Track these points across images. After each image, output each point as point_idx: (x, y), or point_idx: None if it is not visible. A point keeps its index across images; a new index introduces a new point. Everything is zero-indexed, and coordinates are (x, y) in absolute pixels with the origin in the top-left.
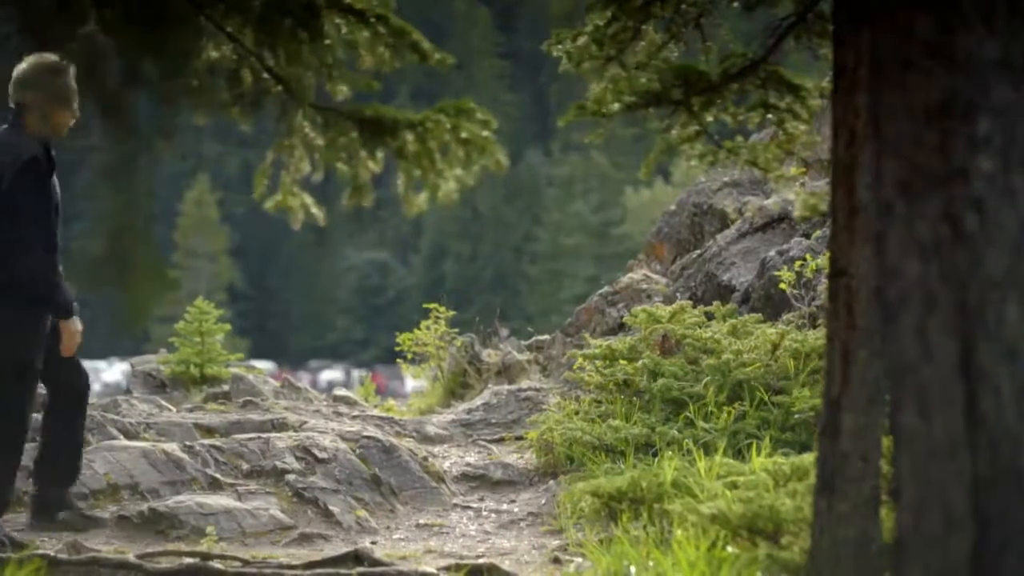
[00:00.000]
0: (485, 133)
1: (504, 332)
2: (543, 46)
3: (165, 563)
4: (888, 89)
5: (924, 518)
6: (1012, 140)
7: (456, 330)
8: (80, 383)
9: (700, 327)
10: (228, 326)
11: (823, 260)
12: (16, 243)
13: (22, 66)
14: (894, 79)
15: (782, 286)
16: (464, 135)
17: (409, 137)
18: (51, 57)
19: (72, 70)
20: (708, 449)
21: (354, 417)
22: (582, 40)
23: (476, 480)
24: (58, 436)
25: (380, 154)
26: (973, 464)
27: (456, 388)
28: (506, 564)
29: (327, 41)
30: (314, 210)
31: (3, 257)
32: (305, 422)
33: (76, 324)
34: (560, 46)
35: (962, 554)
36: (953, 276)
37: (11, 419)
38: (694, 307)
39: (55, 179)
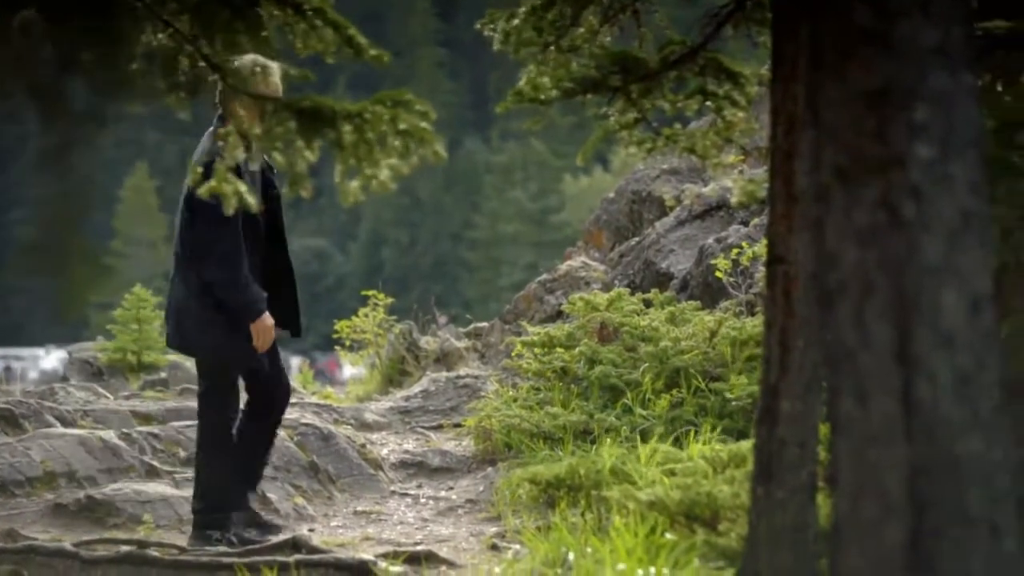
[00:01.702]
0: (423, 124)
1: (442, 319)
2: (477, 25)
3: (102, 551)
4: (826, 76)
5: (861, 504)
6: (949, 127)
7: (395, 317)
8: (281, 390)
9: (638, 314)
10: None
11: (761, 247)
12: (202, 246)
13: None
14: (832, 66)
15: (719, 274)
16: (402, 126)
17: (347, 128)
18: (256, 57)
19: (274, 67)
20: (646, 436)
21: (292, 404)
22: (516, 21)
23: (414, 467)
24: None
25: (317, 144)
26: (909, 450)
27: (394, 375)
28: (444, 551)
29: (264, 31)
30: (248, 197)
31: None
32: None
33: (265, 321)
34: (493, 26)
35: (898, 540)
36: (890, 263)
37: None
38: (632, 294)
39: (252, 179)
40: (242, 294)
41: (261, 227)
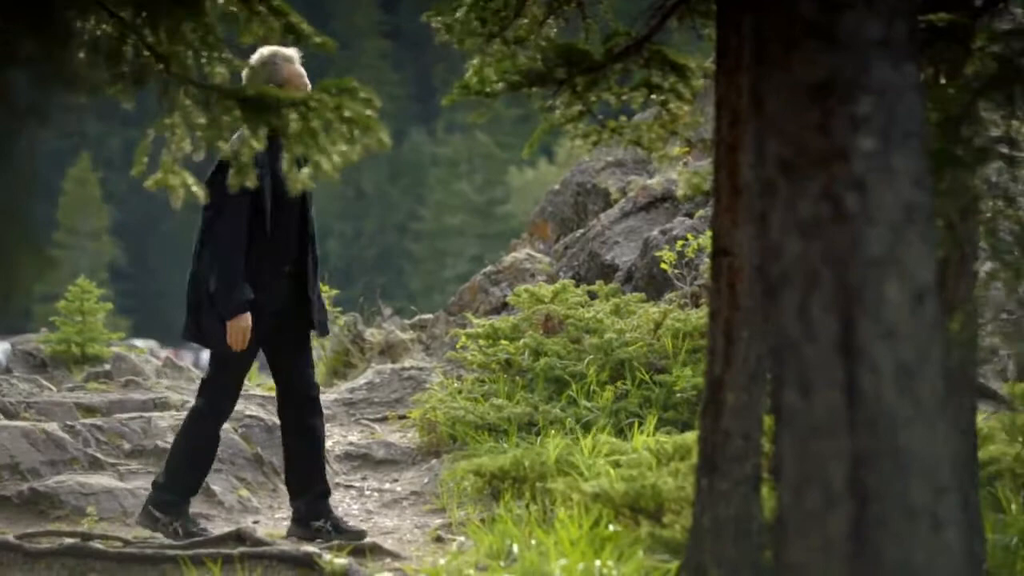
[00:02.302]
0: (368, 112)
1: (387, 311)
2: (423, 18)
3: (46, 543)
4: (771, 69)
5: (804, 495)
6: (892, 120)
7: (339, 309)
8: (303, 387)
9: (583, 306)
10: (110, 305)
11: (706, 239)
12: (204, 236)
13: (252, 59)
14: (777, 59)
15: (664, 265)
16: (347, 114)
17: (292, 116)
18: (268, 48)
19: (293, 55)
20: (590, 428)
21: None
22: (461, 13)
23: (359, 459)
24: (290, 446)
25: (262, 133)
26: (852, 441)
27: (339, 367)
28: (388, 543)
29: (208, 19)
30: (195, 188)
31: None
32: (187, 401)
33: (240, 322)
34: (439, 18)
35: (841, 530)
36: (834, 255)
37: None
38: (577, 286)
39: (278, 170)
40: (227, 289)
41: (294, 222)
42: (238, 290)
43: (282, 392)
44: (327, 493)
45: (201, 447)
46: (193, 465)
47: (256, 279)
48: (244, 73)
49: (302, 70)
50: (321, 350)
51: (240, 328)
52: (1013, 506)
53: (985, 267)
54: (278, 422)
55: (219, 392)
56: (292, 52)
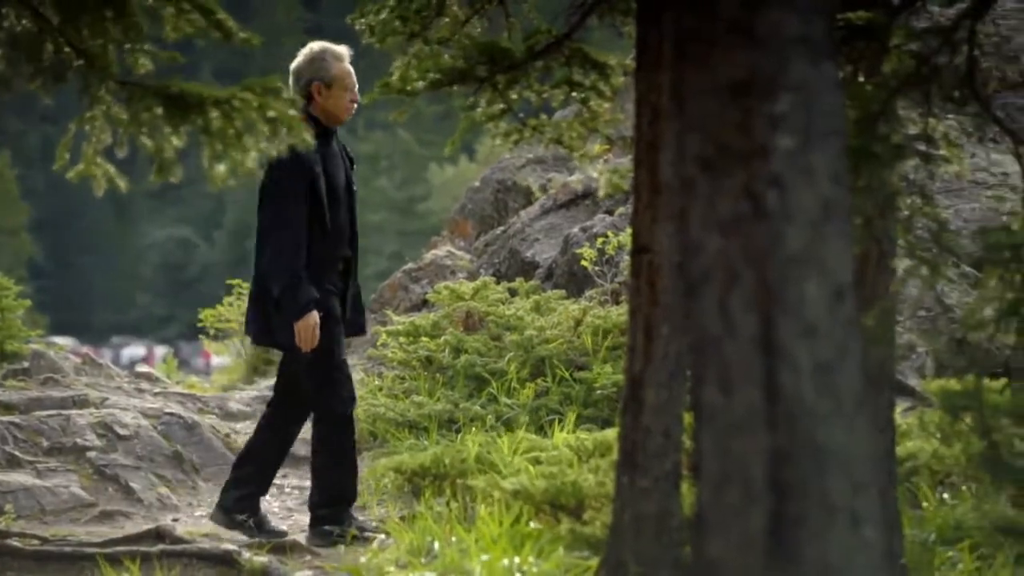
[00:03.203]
0: (291, 112)
1: None
2: (347, 19)
3: None
4: (690, 66)
5: (723, 492)
6: (811, 118)
7: None
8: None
9: (503, 304)
10: (28, 302)
11: (626, 237)
12: (259, 237)
13: (297, 58)
14: (696, 56)
15: (585, 263)
16: (271, 113)
17: (214, 114)
18: (318, 44)
19: (343, 52)
20: (511, 425)
21: (156, 394)
22: (385, 14)
23: None
24: (264, 440)
25: (184, 130)
26: (772, 438)
27: (259, 364)
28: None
29: (132, 16)
30: (117, 180)
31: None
32: (106, 399)
33: (308, 320)
34: (363, 20)
35: (760, 527)
36: (754, 252)
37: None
38: (497, 283)
39: (331, 170)
40: (291, 289)
41: (344, 219)
42: (302, 289)
43: (291, 390)
44: (262, 493)
45: (340, 451)
46: (338, 470)
47: (318, 276)
48: (292, 65)
49: (351, 68)
50: (242, 348)
51: (309, 327)
52: (931, 502)
53: (903, 264)
54: (198, 419)
55: (329, 388)
56: (342, 50)
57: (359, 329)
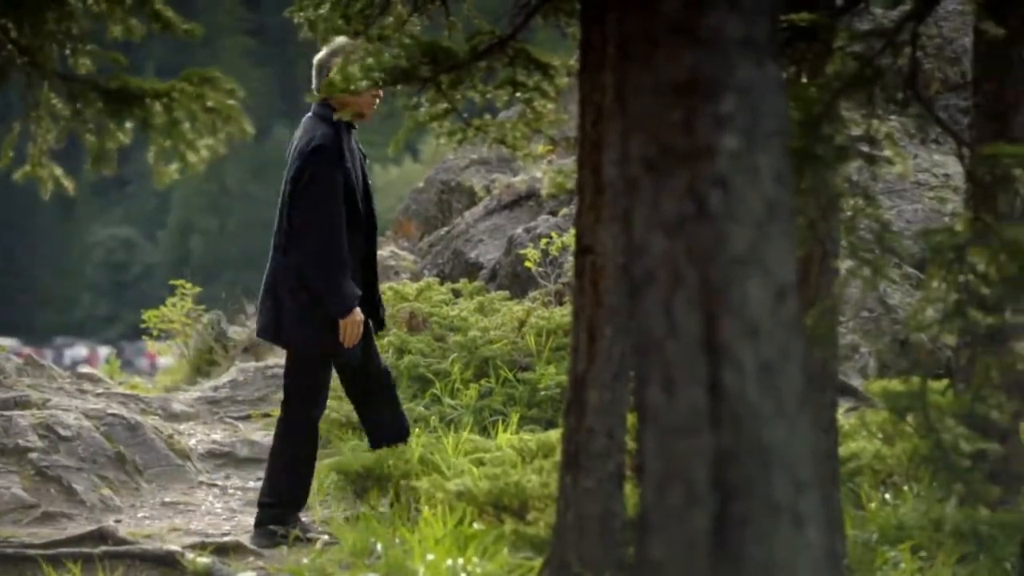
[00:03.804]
0: (231, 102)
1: (251, 309)
2: (286, 12)
3: None
4: (634, 67)
5: (667, 492)
6: (756, 118)
7: (203, 307)
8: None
9: (447, 304)
10: None
11: (570, 237)
12: (298, 231)
13: (321, 52)
14: (640, 57)
15: (529, 264)
16: (210, 104)
17: (156, 107)
18: (342, 37)
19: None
20: (455, 426)
21: (99, 395)
22: (324, 9)
23: (222, 457)
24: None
25: (128, 125)
26: (715, 439)
27: (203, 365)
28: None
29: (72, 12)
30: (64, 180)
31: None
32: (48, 400)
33: (355, 316)
34: (302, 13)
35: (703, 527)
36: (698, 253)
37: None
38: (441, 284)
39: (353, 164)
40: (335, 287)
41: (363, 216)
42: (347, 285)
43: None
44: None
45: (301, 456)
46: (295, 474)
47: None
48: (316, 58)
49: None
50: (185, 348)
51: (355, 323)
52: (873, 502)
53: (846, 265)
54: (141, 420)
55: (311, 399)
56: None
57: (381, 324)
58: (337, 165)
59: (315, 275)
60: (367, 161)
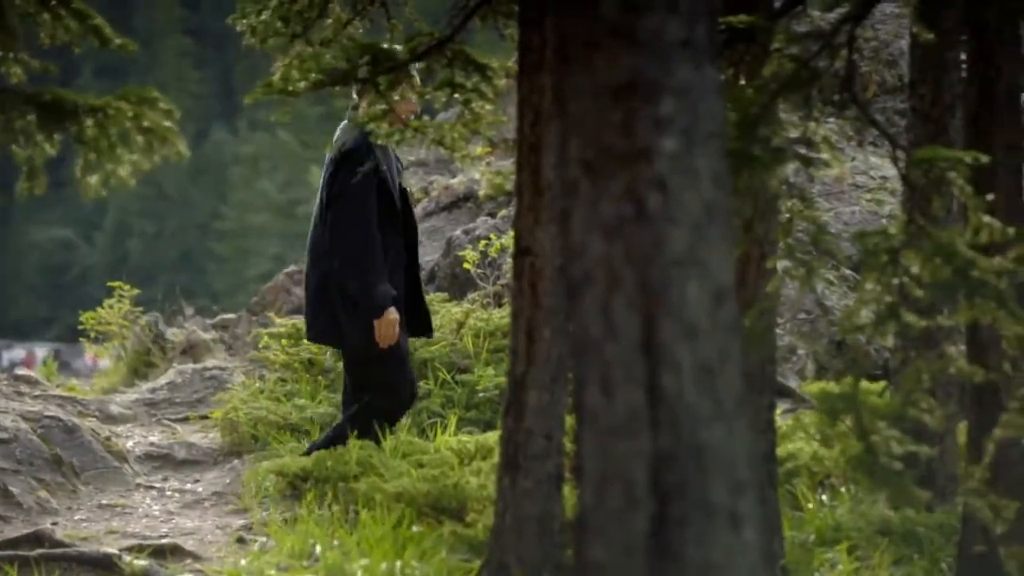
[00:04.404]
0: (167, 123)
1: (189, 311)
2: (228, 20)
3: None
4: (573, 69)
5: (605, 494)
6: (694, 120)
7: (141, 308)
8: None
9: None
10: None
11: (508, 239)
12: (333, 235)
13: None
14: (579, 59)
15: (467, 265)
16: (146, 124)
17: (88, 122)
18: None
19: None
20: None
21: (36, 397)
22: (266, 15)
23: (160, 460)
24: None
25: (58, 137)
26: (654, 440)
27: (140, 367)
28: (190, 544)
29: (7, 22)
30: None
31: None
32: None
33: (389, 316)
34: (245, 20)
35: (642, 528)
36: (636, 255)
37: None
38: None
39: (390, 168)
40: (369, 287)
41: (401, 220)
42: (381, 287)
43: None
44: None
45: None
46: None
47: (390, 276)
48: None
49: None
50: (122, 350)
51: (390, 323)
52: (810, 504)
53: (782, 266)
54: (78, 423)
55: (388, 387)
56: None
57: (429, 331)
58: (372, 169)
59: (349, 276)
60: (403, 166)
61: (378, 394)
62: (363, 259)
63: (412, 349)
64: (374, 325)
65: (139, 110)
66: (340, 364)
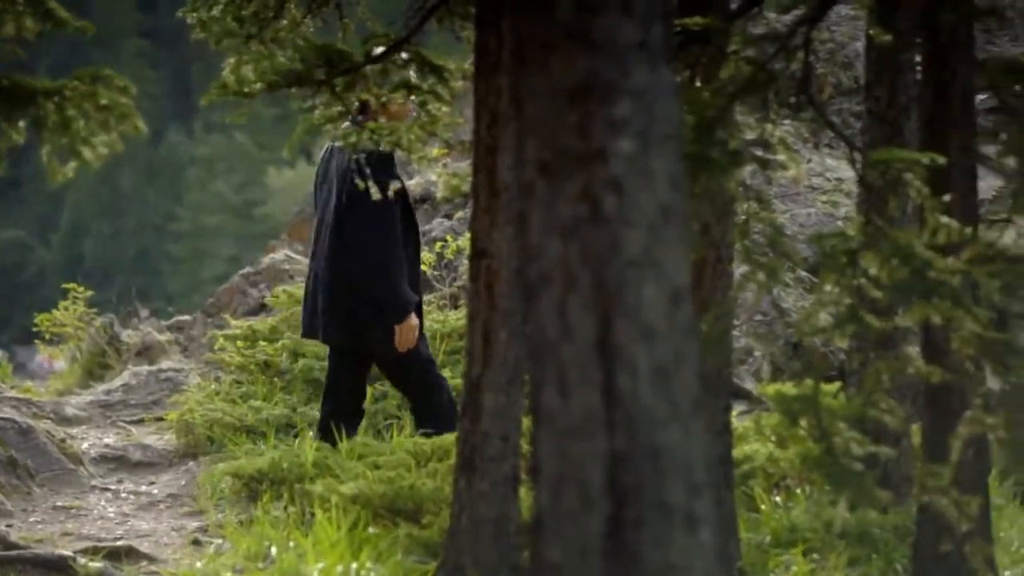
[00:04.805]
0: (123, 100)
1: (144, 312)
2: (179, 13)
3: None
4: (529, 71)
5: (561, 495)
6: (650, 122)
7: (95, 310)
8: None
9: None
10: None
11: (464, 241)
12: (359, 237)
13: None
14: (535, 61)
15: (424, 267)
16: (103, 102)
17: (49, 106)
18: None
19: None
20: None
21: None
22: (217, 9)
23: (115, 462)
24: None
25: (22, 124)
26: (610, 441)
27: (95, 369)
28: (145, 546)
29: None
30: None
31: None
32: None
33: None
34: (195, 14)
35: (598, 530)
36: (592, 256)
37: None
38: None
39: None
40: (393, 292)
41: (411, 221)
42: (404, 291)
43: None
44: None
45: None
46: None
47: (410, 277)
48: None
49: None
50: (77, 352)
51: (411, 328)
52: (766, 505)
53: (739, 269)
54: (33, 424)
55: (427, 388)
56: None
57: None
58: (392, 174)
59: (374, 282)
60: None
61: (420, 396)
62: (388, 265)
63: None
64: (395, 329)
65: (94, 88)
66: (295, 366)
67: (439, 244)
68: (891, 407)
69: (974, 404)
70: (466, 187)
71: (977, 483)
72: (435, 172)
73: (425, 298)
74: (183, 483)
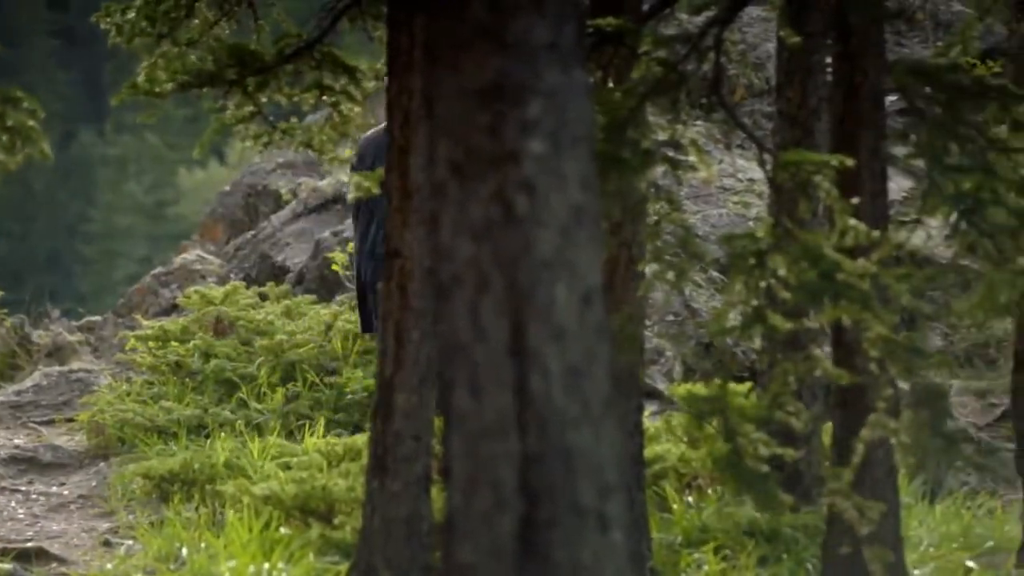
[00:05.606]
0: (31, 123)
1: (55, 312)
2: (93, 18)
3: None
4: (441, 71)
5: (473, 496)
6: (562, 123)
7: (6, 311)
8: None
9: (254, 308)
10: None
11: None
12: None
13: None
14: (447, 61)
15: (336, 267)
16: (10, 123)
17: None
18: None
19: None
20: (261, 430)
21: None
22: (132, 15)
23: (25, 463)
24: None
25: None
26: (522, 442)
27: (5, 370)
28: (55, 548)
29: None
30: None
31: None
32: None
33: None
34: (109, 19)
35: (510, 531)
36: (505, 257)
37: None
38: (248, 288)
39: None
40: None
41: None
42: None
43: None
44: None
45: None
46: None
47: None
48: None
49: None
50: None
51: None
52: (677, 505)
53: (650, 269)
54: None
55: None
56: None
57: None
58: None
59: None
60: None
61: None
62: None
63: (280, 351)
64: None
65: (3, 109)
66: (207, 366)
67: (351, 244)
68: (797, 409)
69: (877, 407)
70: (378, 188)
71: (886, 483)
72: (347, 172)
73: (338, 299)
74: (94, 484)
